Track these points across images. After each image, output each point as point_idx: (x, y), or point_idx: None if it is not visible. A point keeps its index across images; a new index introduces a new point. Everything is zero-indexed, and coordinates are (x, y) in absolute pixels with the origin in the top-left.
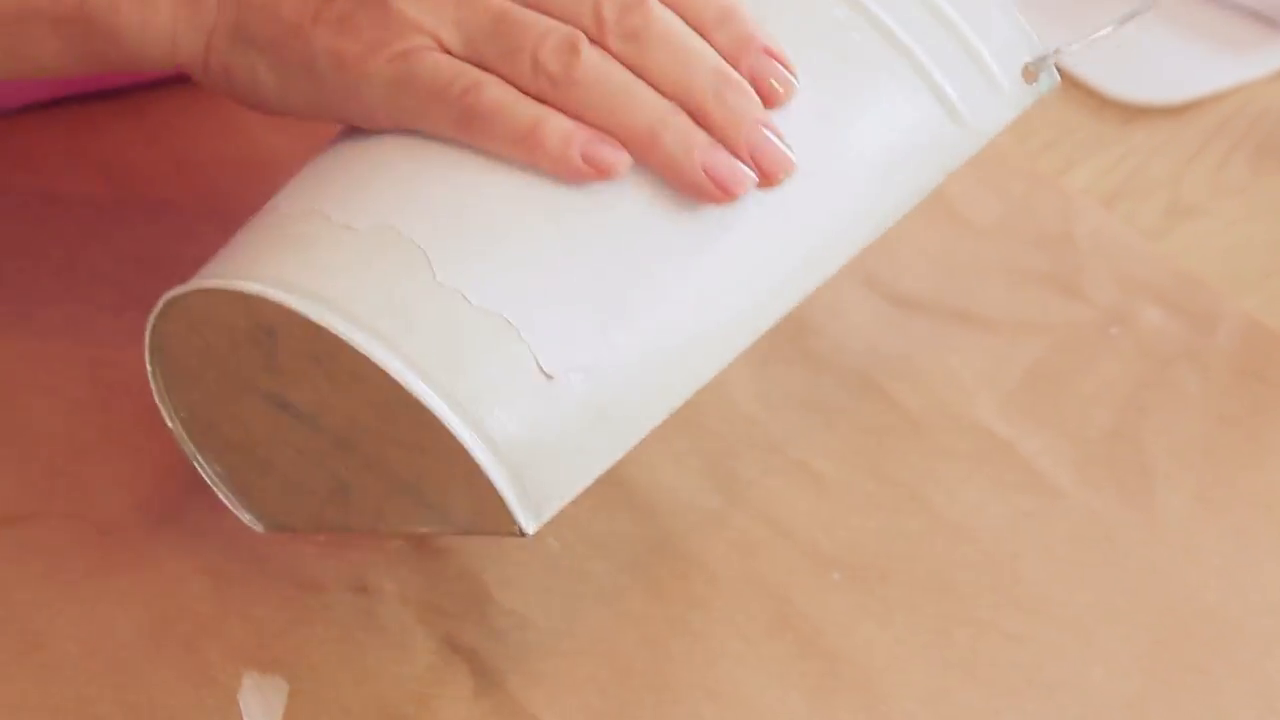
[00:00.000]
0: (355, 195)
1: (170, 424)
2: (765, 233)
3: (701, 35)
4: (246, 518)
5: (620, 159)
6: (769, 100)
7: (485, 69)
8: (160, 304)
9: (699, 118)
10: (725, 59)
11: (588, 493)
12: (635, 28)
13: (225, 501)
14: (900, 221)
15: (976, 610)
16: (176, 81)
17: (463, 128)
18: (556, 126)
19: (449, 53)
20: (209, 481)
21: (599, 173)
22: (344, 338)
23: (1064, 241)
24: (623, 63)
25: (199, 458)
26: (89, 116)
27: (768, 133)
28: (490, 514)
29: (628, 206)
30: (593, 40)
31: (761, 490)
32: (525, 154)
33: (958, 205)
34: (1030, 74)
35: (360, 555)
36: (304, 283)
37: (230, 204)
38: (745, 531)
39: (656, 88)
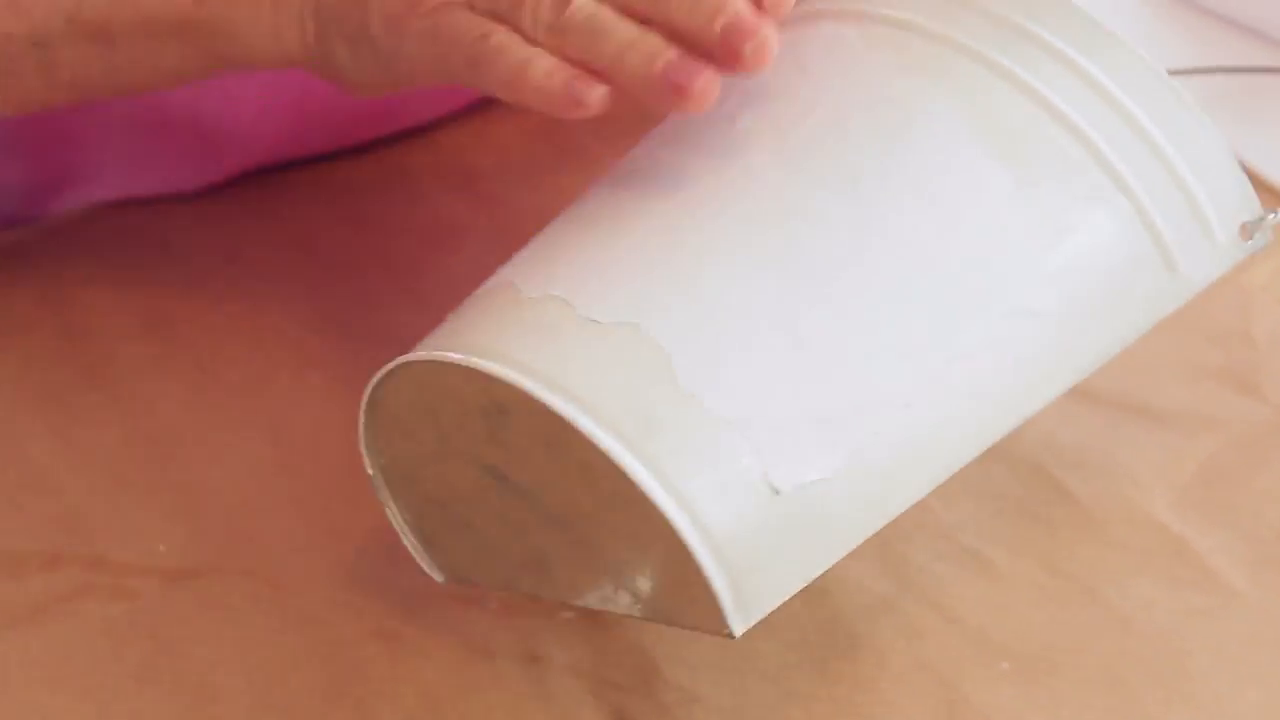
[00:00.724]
0: (596, 283)
1: (370, 470)
2: (991, 366)
3: None
4: (428, 566)
5: (594, 91)
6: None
7: (500, 22)
8: (392, 365)
9: (675, 36)
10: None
11: None
12: None
13: (410, 549)
14: None
15: (1145, 706)
16: (360, 150)
17: (472, 69)
18: (541, 65)
19: (473, 8)
20: (396, 527)
21: (576, 104)
22: (588, 435)
23: (1242, 338)
24: (617, 6)
25: (391, 505)
26: (275, 183)
27: (743, 16)
28: (701, 612)
29: (864, 316)
30: None
31: (931, 576)
32: (515, 92)
33: None
34: (1247, 232)
35: (531, 623)
36: (551, 373)
37: (409, 269)
38: (914, 616)
39: (646, 22)
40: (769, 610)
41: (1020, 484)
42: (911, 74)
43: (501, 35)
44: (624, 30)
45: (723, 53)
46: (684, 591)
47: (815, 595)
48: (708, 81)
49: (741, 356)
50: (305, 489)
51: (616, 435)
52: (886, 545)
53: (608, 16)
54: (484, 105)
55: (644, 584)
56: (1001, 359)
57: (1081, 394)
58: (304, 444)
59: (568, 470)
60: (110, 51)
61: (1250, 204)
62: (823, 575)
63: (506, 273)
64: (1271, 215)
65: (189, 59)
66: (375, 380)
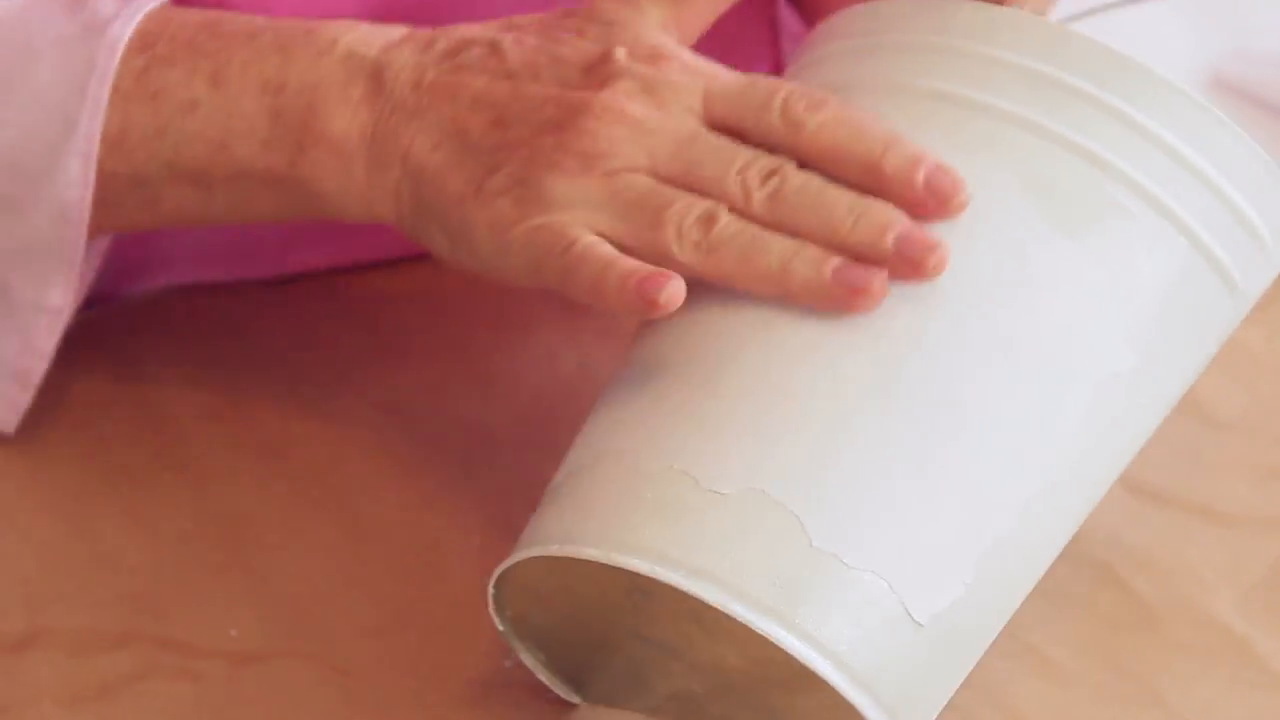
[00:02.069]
0: (713, 450)
1: (500, 626)
2: (1093, 441)
3: (870, 166)
4: (565, 694)
5: (666, 290)
6: (943, 205)
7: (646, 246)
8: (520, 556)
9: (841, 249)
10: (898, 182)
11: None
12: (774, 189)
13: (547, 683)
14: None
15: None
16: None
17: (562, 281)
18: (618, 268)
19: (599, 233)
20: (530, 666)
21: (652, 305)
22: (736, 616)
23: None
24: (765, 223)
25: (524, 652)
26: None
27: (912, 229)
28: None
29: (982, 435)
30: (739, 209)
31: (993, 674)
32: (599, 298)
33: (1204, 400)
34: None
35: None
36: (689, 559)
37: (479, 355)
38: (974, 714)
39: (800, 236)
40: None
41: (1085, 583)
42: (966, 153)
43: (585, 242)
44: (781, 243)
45: (900, 265)
46: None
47: None
48: (884, 281)
49: (874, 507)
50: (374, 575)
51: (763, 611)
52: None
53: (757, 233)
54: None
55: None
56: (1098, 429)
57: (1148, 494)
58: (374, 529)
59: (716, 635)
60: (209, 195)
61: None
62: None
63: (613, 438)
64: None
65: (285, 207)
66: (503, 566)
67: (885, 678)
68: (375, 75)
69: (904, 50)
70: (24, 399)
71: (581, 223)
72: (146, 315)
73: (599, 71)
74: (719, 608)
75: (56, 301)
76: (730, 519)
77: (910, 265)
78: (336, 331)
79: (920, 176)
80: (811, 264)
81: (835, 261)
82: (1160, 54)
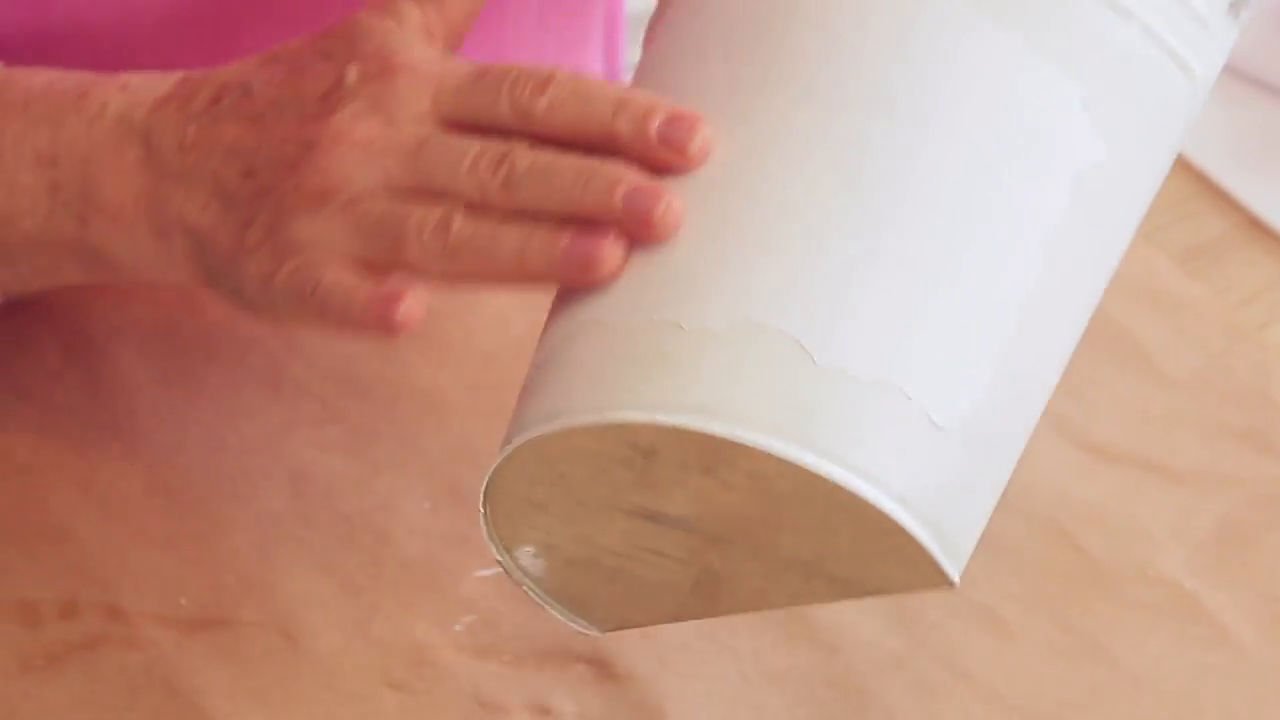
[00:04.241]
0: (693, 291)
1: (499, 557)
2: (1084, 233)
3: (604, 133)
4: (582, 626)
5: (401, 309)
6: (682, 154)
7: (388, 265)
8: (511, 448)
9: (578, 218)
10: (633, 140)
11: (770, 626)
12: (504, 176)
13: (559, 616)
14: (1094, 369)
15: None
16: None
17: (320, 320)
18: (358, 297)
19: (356, 263)
20: (538, 601)
21: (389, 327)
22: (753, 445)
23: (1260, 397)
24: (506, 212)
25: (529, 584)
26: None
27: (637, 182)
28: (914, 572)
29: (965, 229)
30: (478, 205)
31: (943, 632)
32: (347, 328)
33: (1154, 357)
34: (1235, 10)
35: (542, 676)
36: (689, 400)
37: (430, 322)
38: (925, 672)
39: (539, 214)
40: (973, 544)
41: (1034, 540)
42: None
43: (328, 280)
44: (513, 231)
45: (632, 223)
46: (889, 559)
47: (826, 651)
48: (615, 245)
49: (872, 315)
50: (324, 541)
51: (780, 436)
52: (898, 600)
53: (490, 227)
54: None
55: (840, 567)
56: (1082, 222)
57: (1098, 451)
58: (322, 498)
59: (733, 486)
60: (13, 267)
61: None
62: (834, 631)
63: (587, 309)
64: None
65: (92, 273)
66: (491, 471)
67: (921, 490)
68: (144, 139)
69: None
70: None
71: (330, 259)
72: (95, 288)
73: (331, 98)
74: (731, 441)
75: None
76: (726, 353)
77: (639, 220)
78: None
79: (653, 130)
80: (544, 244)
81: (565, 238)
82: None
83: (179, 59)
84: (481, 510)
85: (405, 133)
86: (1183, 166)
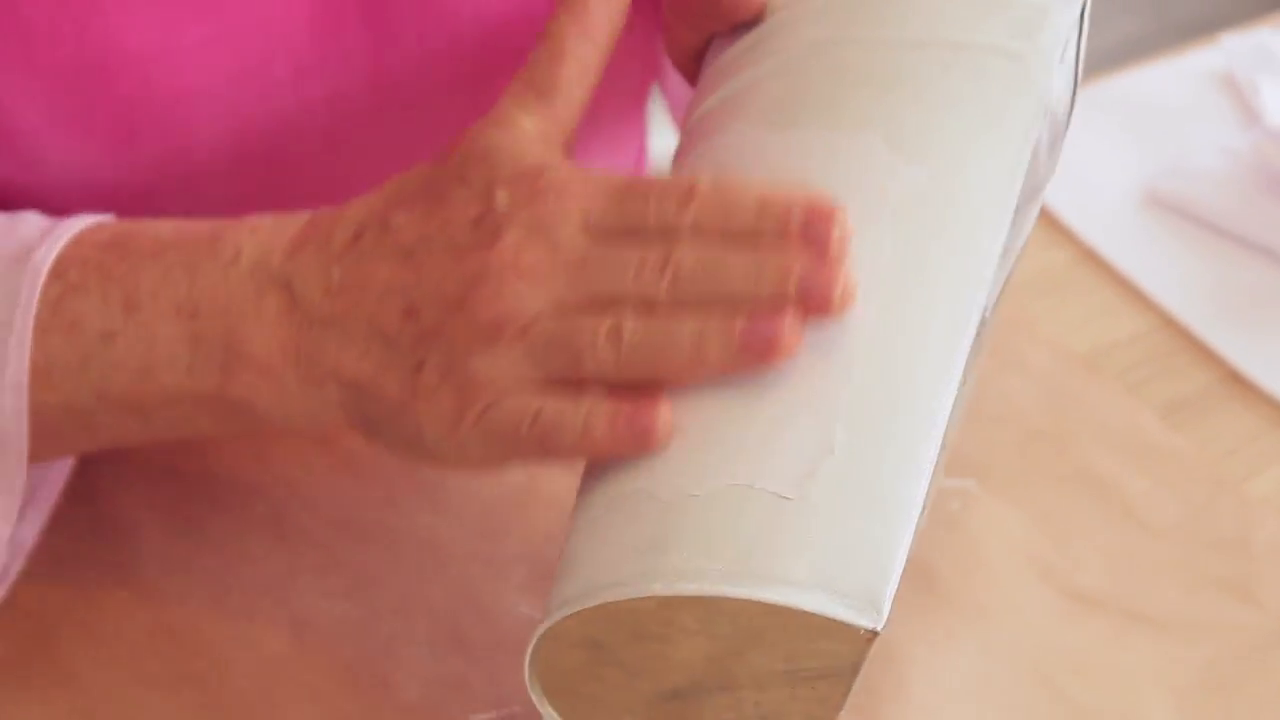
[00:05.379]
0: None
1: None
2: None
3: (752, 239)
4: None
5: (657, 418)
6: (825, 248)
7: (560, 382)
8: (538, 636)
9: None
10: (781, 241)
11: None
12: (671, 278)
13: None
14: (1079, 518)
15: None
16: None
17: (541, 451)
18: (599, 419)
19: (531, 382)
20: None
21: (646, 439)
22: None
23: (1241, 548)
24: (671, 312)
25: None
26: None
27: (809, 268)
28: (840, 640)
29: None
30: (647, 310)
31: None
32: (590, 452)
33: (1138, 507)
34: None
35: None
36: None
37: (430, 471)
38: None
39: (712, 311)
40: (892, 579)
41: (1019, 688)
42: None
43: (550, 407)
44: (686, 325)
45: (811, 304)
46: (815, 638)
47: None
48: (793, 324)
49: (703, 445)
50: (325, 685)
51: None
52: None
53: (662, 324)
54: None
55: (807, 662)
56: (910, 245)
57: (1082, 599)
58: (324, 643)
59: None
60: (146, 420)
61: None
62: None
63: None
64: None
65: (227, 425)
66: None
67: (799, 562)
68: (285, 287)
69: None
70: None
71: (520, 388)
72: None
73: (486, 225)
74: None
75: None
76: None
77: (819, 300)
78: (289, 448)
79: (796, 229)
80: (720, 335)
81: (740, 323)
82: (1099, 171)
83: (239, 186)
84: (528, 678)
85: (566, 252)
86: (1166, 322)
